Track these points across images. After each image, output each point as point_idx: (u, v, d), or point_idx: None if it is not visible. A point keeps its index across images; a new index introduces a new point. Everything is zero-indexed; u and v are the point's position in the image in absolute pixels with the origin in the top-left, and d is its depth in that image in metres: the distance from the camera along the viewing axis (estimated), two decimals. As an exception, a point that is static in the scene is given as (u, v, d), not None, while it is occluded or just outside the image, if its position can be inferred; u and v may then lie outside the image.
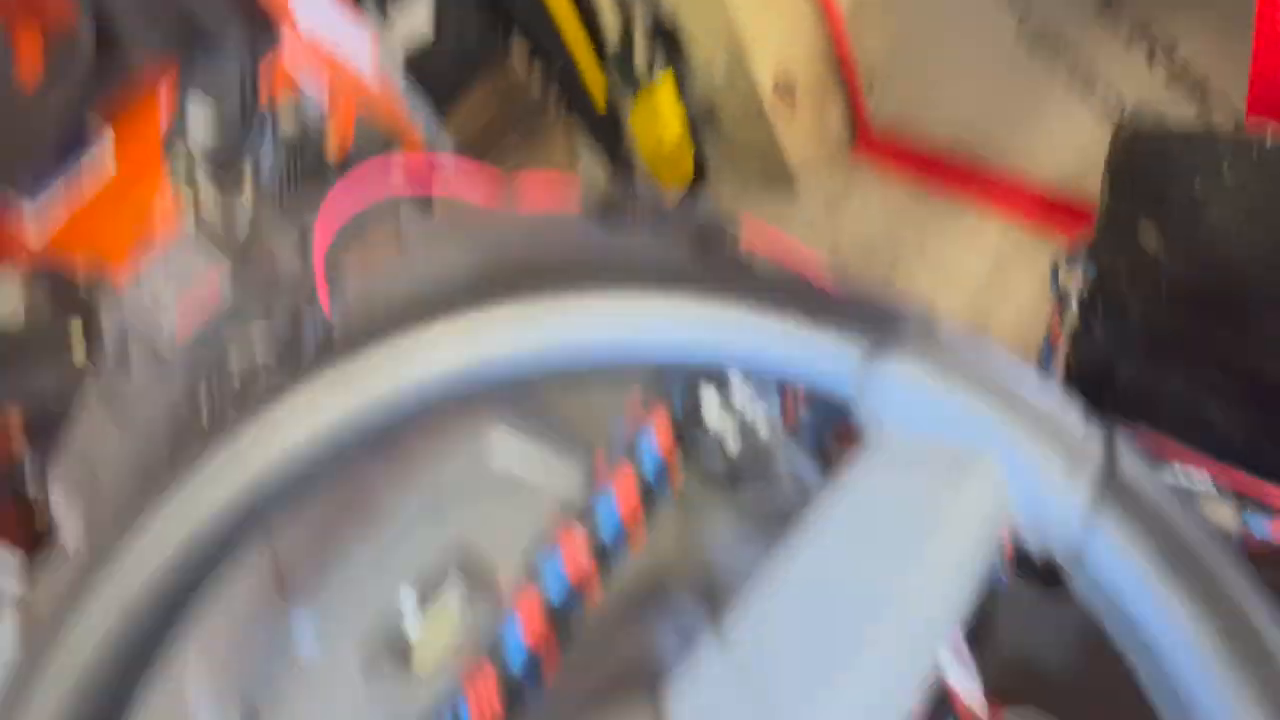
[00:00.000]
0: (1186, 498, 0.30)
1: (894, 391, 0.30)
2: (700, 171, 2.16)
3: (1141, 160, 0.90)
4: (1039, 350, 1.00)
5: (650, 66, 1.99)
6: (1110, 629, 0.29)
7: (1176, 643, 0.27)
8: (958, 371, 0.29)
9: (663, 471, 0.45)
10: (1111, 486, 0.28)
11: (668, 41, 1.98)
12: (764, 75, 1.78)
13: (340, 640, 0.45)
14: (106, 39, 1.36)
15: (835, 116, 1.92)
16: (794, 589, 0.31)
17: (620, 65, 2.07)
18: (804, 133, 1.91)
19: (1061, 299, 0.98)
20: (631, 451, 0.45)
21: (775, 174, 2.01)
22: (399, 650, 0.44)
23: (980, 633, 0.45)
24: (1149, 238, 0.94)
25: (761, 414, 0.45)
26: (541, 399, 0.51)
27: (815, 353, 0.30)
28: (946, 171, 1.82)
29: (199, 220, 1.14)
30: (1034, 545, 0.30)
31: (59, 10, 1.34)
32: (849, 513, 0.30)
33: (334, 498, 0.50)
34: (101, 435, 0.96)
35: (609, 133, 2.15)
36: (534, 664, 0.41)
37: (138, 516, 0.37)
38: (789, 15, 1.75)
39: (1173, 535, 0.27)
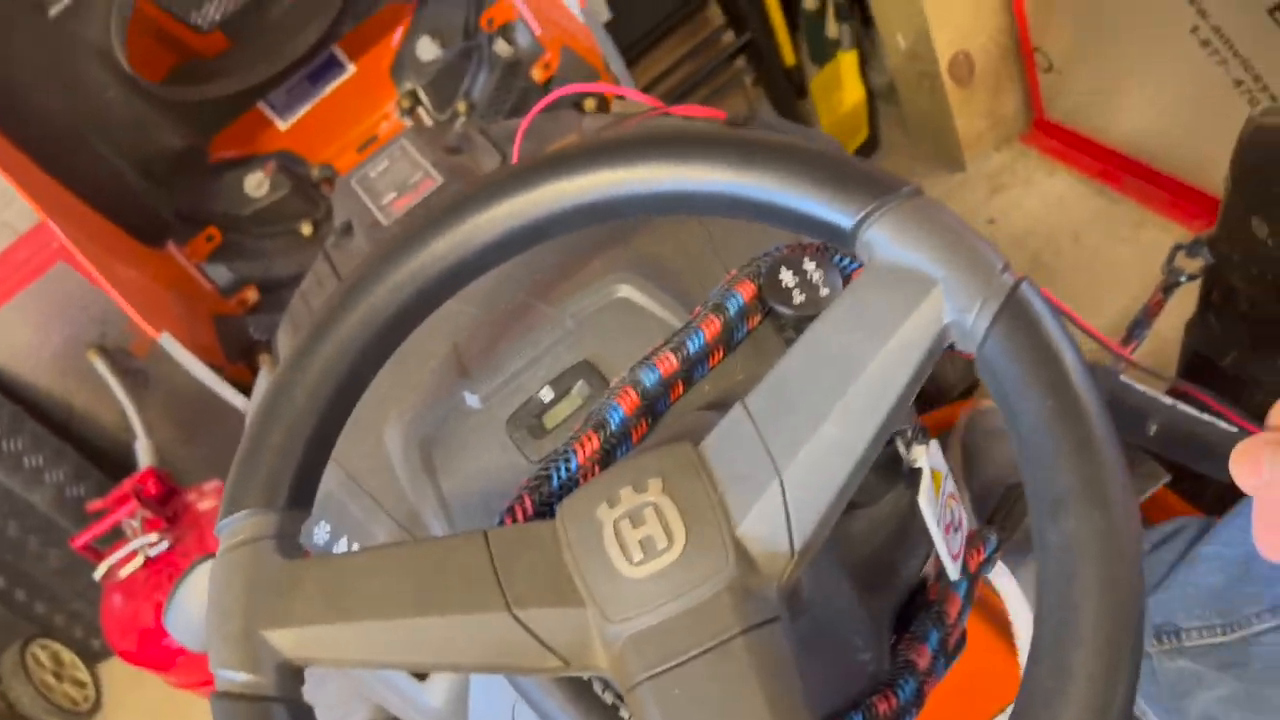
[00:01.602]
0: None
1: (885, 234, 0.43)
2: (874, 144, 2.25)
3: (1260, 154, 0.97)
4: (1134, 316, 1.08)
5: (839, 38, 2.09)
6: (998, 404, 0.42)
7: (1020, 413, 0.40)
8: (928, 224, 0.43)
9: (742, 318, 0.60)
10: (1008, 310, 0.41)
11: (857, 13, 2.08)
12: (944, 54, 1.85)
13: (495, 409, 0.62)
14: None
15: (1010, 101, 1.98)
16: (796, 365, 0.45)
17: (811, 33, 2.18)
18: (977, 114, 1.98)
19: (1169, 277, 1.06)
20: (720, 304, 0.60)
21: (945, 152, 2.08)
22: (536, 417, 0.61)
23: None
24: (1261, 231, 1.01)
25: (824, 283, 0.59)
26: (664, 268, 0.67)
27: (833, 203, 0.44)
28: (1115, 167, 1.86)
29: (418, 128, 1.34)
30: (958, 345, 0.43)
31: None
32: (842, 313, 0.44)
33: (504, 314, 0.67)
34: (323, 286, 1.18)
35: (790, 99, 2.27)
36: (626, 431, 0.57)
37: (360, 285, 0.52)
38: (976, -2, 1.82)
39: (1043, 347, 0.40)
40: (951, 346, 0.44)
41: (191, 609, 0.54)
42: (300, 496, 0.48)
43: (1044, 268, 1.84)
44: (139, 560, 1.76)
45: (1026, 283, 0.42)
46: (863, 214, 0.44)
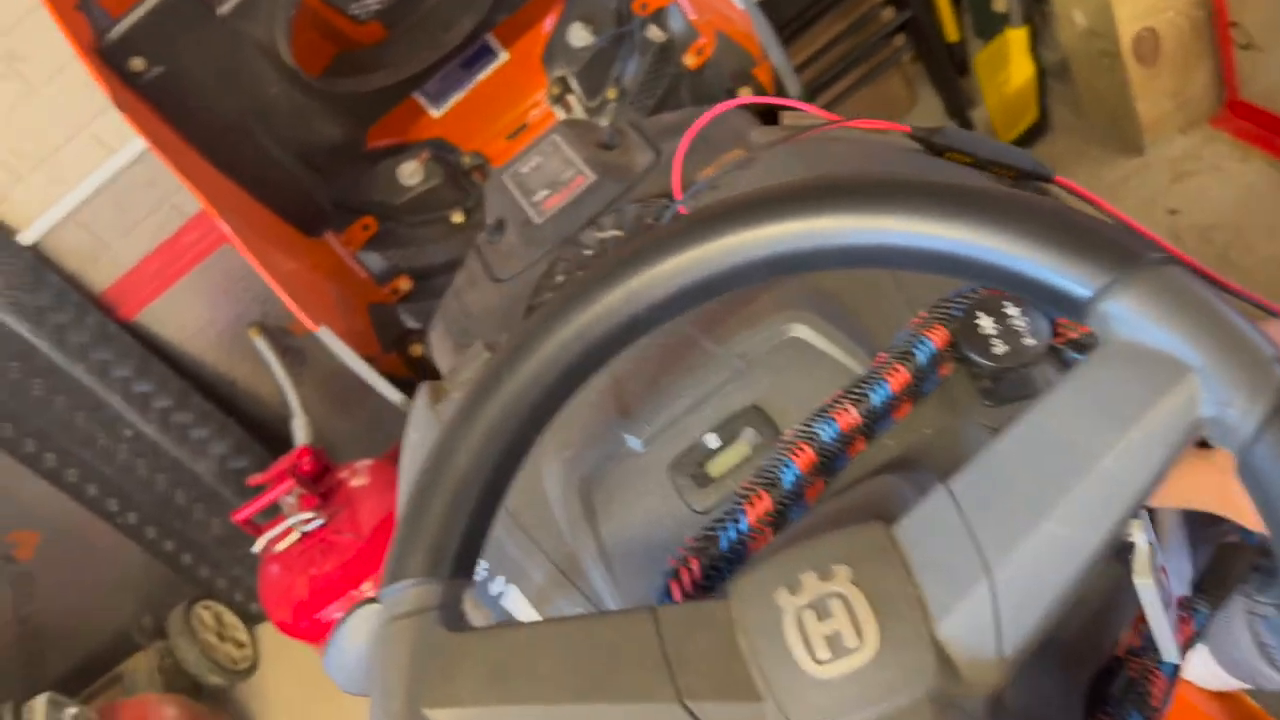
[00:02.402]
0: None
1: (1131, 308, 0.38)
2: (1043, 126, 2.11)
3: None
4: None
5: (1007, 12, 1.97)
6: (1263, 517, 0.36)
7: None
8: (1184, 299, 0.37)
9: (933, 367, 0.55)
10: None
11: (1030, -12, 1.95)
12: (1126, 30, 1.72)
13: (657, 452, 0.59)
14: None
15: (1199, 81, 1.82)
16: (1013, 449, 0.40)
17: (975, 6, 2.06)
18: (1161, 95, 1.83)
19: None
20: (907, 351, 0.55)
21: (1123, 136, 1.94)
22: (700, 464, 0.58)
23: None
24: None
25: (1029, 331, 0.53)
26: (843, 306, 0.62)
27: (1069, 269, 0.39)
28: (1319, 153, 1.69)
29: (570, 123, 1.32)
30: (1214, 442, 0.37)
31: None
32: (1072, 395, 0.39)
33: (667, 350, 0.64)
34: (476, 284, 1.17)
35: (951, 77, 2.15)
36: (800, 491, 0.53)
37: (526, 344, 0.50)
38: (1165, -31, 1.67)
39: None
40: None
41: (349, 653, 0.53)
42: (464, 565, 0.46)
43: (1232, 266, 1.69)
44: (294, 536, 1.83)
45: None
46: (1105, 283, 0.38)
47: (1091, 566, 0.39)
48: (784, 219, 0.45)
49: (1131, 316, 0.38)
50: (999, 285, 0.42)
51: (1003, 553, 0.39)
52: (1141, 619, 0.61)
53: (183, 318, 2.09)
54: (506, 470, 0.48)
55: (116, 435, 2.03)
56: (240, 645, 2.39)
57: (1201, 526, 0.72)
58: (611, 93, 1.70)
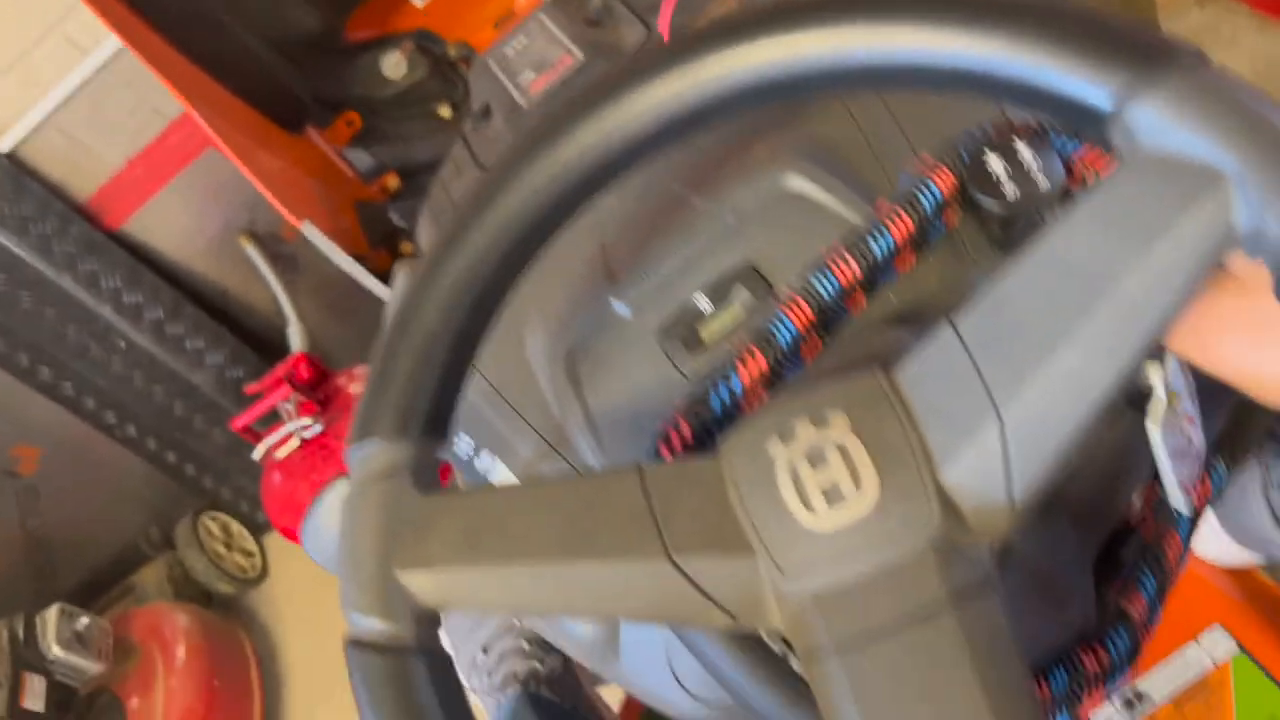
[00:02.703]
0: None
1: (1158, 114, 0.34)
2: None
3: None
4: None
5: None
6: None
7: None
8: (1218, 100, 0.33)
9: (938, 214, 0.51)
10: None
11: None
12: (1142, -106, 1.63)
13: (645, 316, 0.56)
14: None
15: (1218, -52, 1.74)
16: (1026, 277, 0.37)
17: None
18: (1177, -35, 1.75)
19: None
20: (911, 197, 0.51)
21: (1135, 8, 1.86)
22: (691, 327, 0.55)
23: None
24: None
25: (1043, 171, 0.49)
26: (842, 155, 0.58)
27: (1088, 74, 0.35)
28: (1342, 21, 1.62)
29: (555, 1, 1.26)
30: (1249, 254, 0.34)
31: None
32: (1089, 215, 0.35)
33: (655, 211, 0.60)
34: (463, 173, 1.13)
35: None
36: (796, 349, 0.50)
37: (491, 191, 0.46)
38: None
39: None
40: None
41: (327, 531, 0.51)
42: (436, 425, 0.44)
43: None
44: (294, 442, 1.81)
45: None
46: (1129, 89, 0.34)
47: (1109, 403, 0.36)
48: (765, 36, 0.40)
49: (1158, 123, 0.34)
50: (1008, 99, 0.38)
51: (1013, 391, 0.36)
52: (1158, 481, 0.58)
53: (170, 226, 2.05)
54: (478, 324, 0.44)
55: (110, 347, 2.01)
56: (248, 554, 2.41)
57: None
58: (602, -24, 1.63)
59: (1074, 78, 0.35)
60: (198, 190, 2.03)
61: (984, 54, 0.37)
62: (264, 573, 2.41)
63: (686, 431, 0.48)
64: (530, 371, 0.60)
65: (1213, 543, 0.94)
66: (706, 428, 0.48)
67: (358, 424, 0.43)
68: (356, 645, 0.40)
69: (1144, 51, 0.35)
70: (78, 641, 1.97)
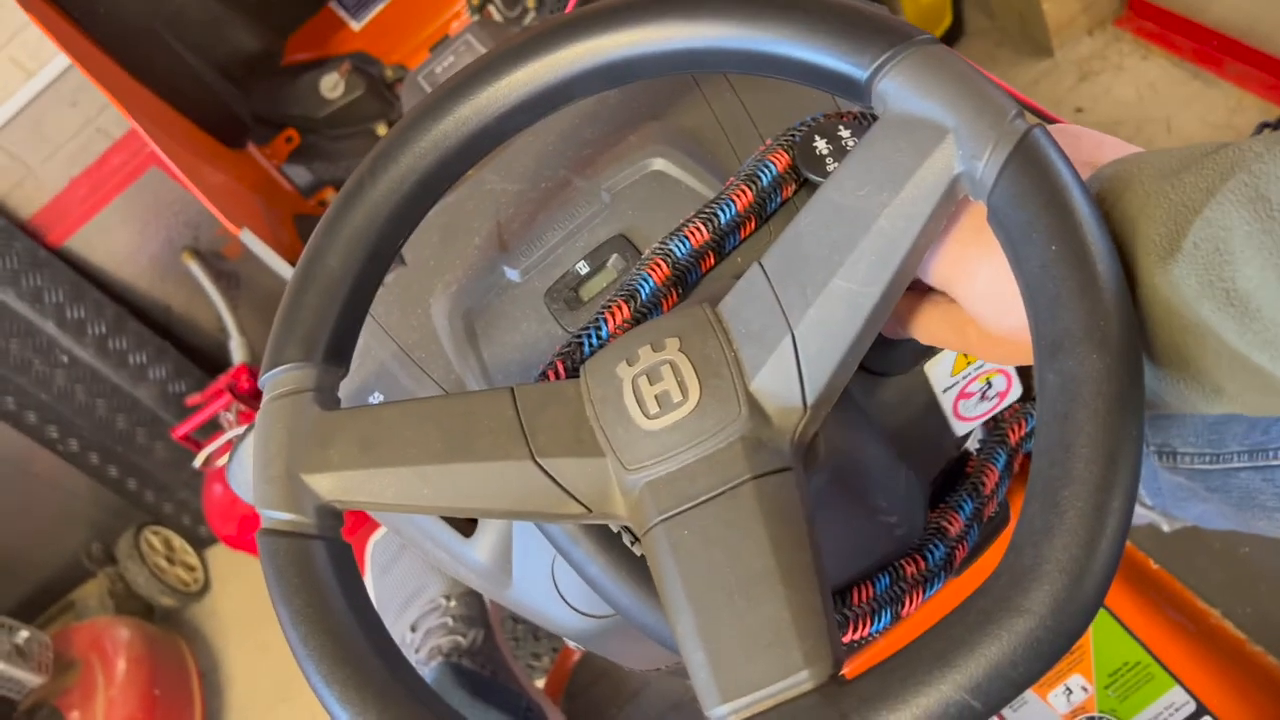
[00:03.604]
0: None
1: (899, 83, 0.43)
2: (957, 30, 2.16)
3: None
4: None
5: (922, -82, 2.00)
6: (1009, 259, 0.42)
7: (1025, 259, 0.40)
8: (941, 71, 0.43)
9: (775, 188, 0.60)
10: (1018, 157, 0.40)
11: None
12: (1031, -68, 1.77)
13: (533, 282, 0.64)
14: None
15: (1103, -19, 1.88)
16: (809, 221, 0.46)
17: (892, -85, 2.09)
18: (1068, -4, 1.89)
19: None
20: (752, 174, 0.60)
21: (1033, 38, 1.99)
22: (572, 289, 0.63)
23: None
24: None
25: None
26: (701, 142, 0.67)
27: (846, 54, 0.44)
28: (1213, 49, 1.76)
29: (483, 22, 1.35)
30: (970, 196, 0.43)
31: None
32: (853, 167, 0.44)
33: (545, 192, 0.68)
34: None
35: (871, -16, 2.19)
36: (656, 301, 0.58)
37: (385, 154, 0.54)
38: None
39: (1052, 193, 0.40)
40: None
41: (250, 467, 0.58)
42: (337, 352, 0.51)
43: (1133, 157, 1.76)
44: (235, 451, 1.86)
45: (1039, 130, 0.42)
46: (876, 64, 0.44)
47: (878, 317, 0.45)
48: (610, 31, 0.49)
49: (900, 90, 0.43)
50: (793, 77, 0.47)
51: (801, 311, 0.45)
52: (990, 424, 0.68)
53: (113, 243, 2.09)
54: (372, 269, 0.52)
55: (53, 361, 2.04)
56: (190, 568, 2.43)
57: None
58: (530, 1, 1.72)
59: (837, 56, 0.44)
60: (140, 209, 2.08)
61: (771, 40, 0.46)
62: (206, 586, 2.44)
63: (561, 370, 0.57)
64: (435, 334, 0.67)
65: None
66: (578, 367, 0.57)
67: (270, 353, 0.51)
68: (266, 534, 0.47)
69: (889, 34, 0.44)
70: (17, 654, 1.99)
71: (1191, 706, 0.90)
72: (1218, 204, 0.38)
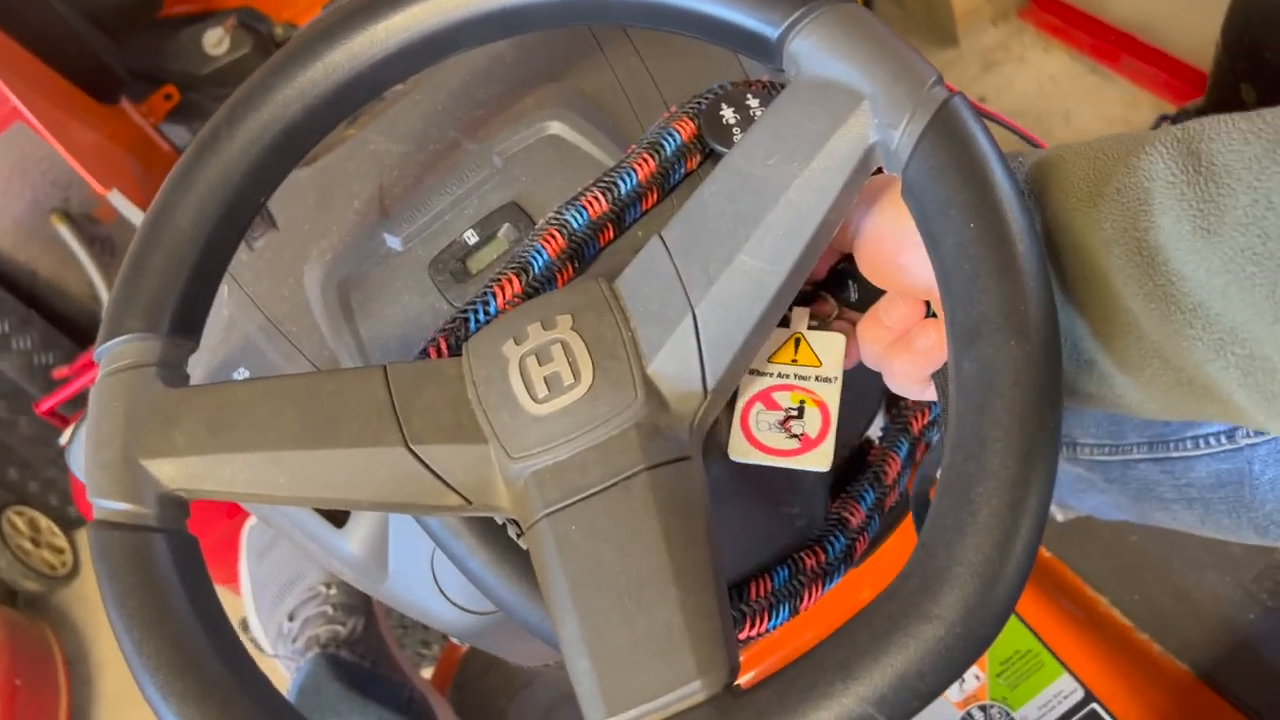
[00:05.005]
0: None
1: (811, 44, 0.40)
2: (866, 17, 2.17)
3: (1249, 19, 0.92)
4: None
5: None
6: (921, 232, 0.39)
7: (941, 236, 0.37)
8: (858, 33, 0.39)
9: (680, 158, 0.56)
10: (936, 126, 0.37)
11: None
12: (940, -81, 1.77)
13: (417, 251, 0.60)
14: None
15: (1008, -27, 1.90)
16: (713, 192, 0.42)
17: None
18: (973, -13, 1.90)
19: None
20: (655, 143, 0.56)
21: (939, 28, 2.00)
22: (459, 260, 0.58)
23: None
24: (1250, 97, 0.97)
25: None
26: (601, 106, 0.63)
27: (756, 10, 0.41)
28: (1110, 44, 1.79)
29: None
30: (885, 168, 0.40)
31: None
32: (762, 133, 0.41)
33: (432, 154, 0.63)
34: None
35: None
36: (550, 276, 0.54)
37: (243, 101, 0.48)
38: None
39: (970, 167, 0.37)
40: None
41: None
42: (186, 322, 0.46)
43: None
44: (106, 427, 1.75)
45: (959, 98, 0.39)
46: (788, 22, 0.40)
47: (785, 296, 0.42)
48: None
49: (813, 51, 0.40)
50: (700, 33, 0.43)
51: (703, 290, 0.42)
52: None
53: (-27, 203, 1.94)
54: (229, 230, 0.47)
55: (-97, 329, 1.89)
56: (58, 550, 2.29)
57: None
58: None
59: (746, 11, 0.41)
60: (4, 166, 1.93)
61: None
62: (75, 570, 2.30)
63: (445, 348, 0.52)
64: (307, 306, 0.62)
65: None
66: (462, 346, 0.52)
67: (108, 321, 0.45)
68: (99, 526, 0.42)
69: None
70: None
71: (1080, 694, 0.90)
72: (1146, 154, 0.37)
